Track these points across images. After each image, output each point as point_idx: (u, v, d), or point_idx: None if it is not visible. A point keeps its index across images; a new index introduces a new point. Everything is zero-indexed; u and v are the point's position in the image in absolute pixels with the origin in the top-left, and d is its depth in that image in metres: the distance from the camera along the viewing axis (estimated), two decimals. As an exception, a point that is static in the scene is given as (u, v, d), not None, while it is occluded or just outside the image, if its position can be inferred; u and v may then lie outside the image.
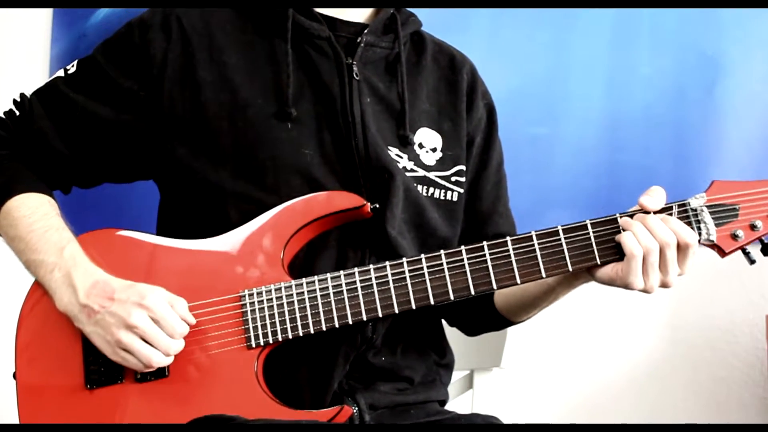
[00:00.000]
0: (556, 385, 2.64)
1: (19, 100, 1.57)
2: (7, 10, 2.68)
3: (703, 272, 2.57)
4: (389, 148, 1.52)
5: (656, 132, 2.62)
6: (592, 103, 2.64)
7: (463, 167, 1.60)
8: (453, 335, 1.70)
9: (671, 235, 1.34)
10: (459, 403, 1.90)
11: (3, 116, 1.58)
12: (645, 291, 1.37)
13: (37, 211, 1.48)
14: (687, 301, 2.62)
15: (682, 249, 1.35)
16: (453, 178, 1.58)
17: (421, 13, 1.68)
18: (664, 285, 1.37)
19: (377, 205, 1.47)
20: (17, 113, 1.56)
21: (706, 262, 2.53)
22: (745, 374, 2.59)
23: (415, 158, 1.54)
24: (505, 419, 1.52)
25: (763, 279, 2.59)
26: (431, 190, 1.55)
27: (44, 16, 2.70)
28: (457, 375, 1.92)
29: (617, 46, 2.64)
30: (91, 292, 1.39)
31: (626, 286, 1.37)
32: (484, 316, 1.62)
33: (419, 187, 1.53)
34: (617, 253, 1.37)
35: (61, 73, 1.57)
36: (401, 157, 1.53)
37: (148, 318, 1.36)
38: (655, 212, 1.37)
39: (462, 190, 1.59)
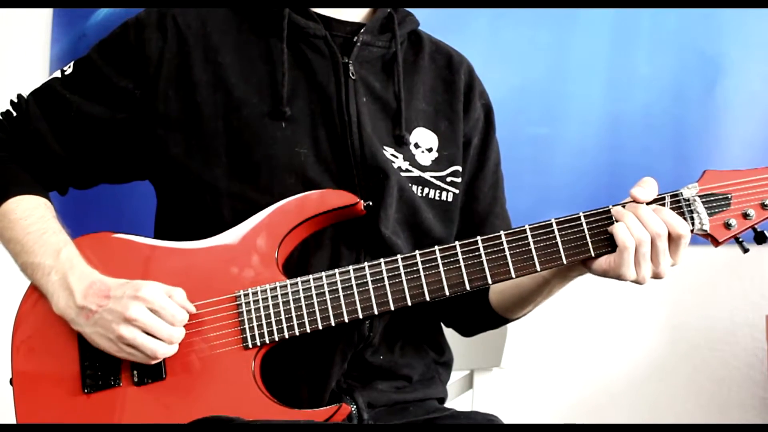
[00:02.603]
0: (556, 385, 2.64)
1: (16, 101, 1.57)
2: (7, 10, 2.68)
3: (703, 272, 2.59)
4: (385, 147, 1.52)
5: (656, 132, 2.61)
6: (592, 103, 2.63)
7: (458, 168, 1.59)
8: (453, 335, 1.70)
9: (662, 226, 1.33)
10: (459, 402, 1.90)
11: (0, 117, 1.58)
12: (637, 282, 1.37)
13: (33, 213, 1.49)
14: (687, 301, 2.62)
15: (673, 239, 1.35)
16: (448, 179, 1.58)
17: (421, 13, 1.68)
18: (656, 276, 1.37)
19: (370, 203, 1.47)
20: (14, 114, 1.56)
21: (705, 263, 2.56)
22: (745, 374, 2.59)
23: (410, 158, 1.54)
24: (505, 419, 1.52)
25: (763, 279, 2.59)
26: (426, 190, 1.55)
27: (44, 16, 2.70)
28: (457, 375, 1.92)
29: (617, 46, 2.64)
30: (88, 293, 1.39)
31: (619, 277, 1.36)
32: (480, 315, 1.62)
33: (414, 188, 1.53)
34: (611, 245, 1.36)
35: (57, 74, 1.57)
36: (396, 157, 1.53)
37: (146, 309, 1.36)
38: (647, 203, 1.37)
39: (457, 191, 1.59)
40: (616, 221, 1.36)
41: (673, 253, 1.36)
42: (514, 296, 1.55)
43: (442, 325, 1.68)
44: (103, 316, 1.38)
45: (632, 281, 1.37)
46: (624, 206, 1.37)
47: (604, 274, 1.38)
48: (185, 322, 1.39)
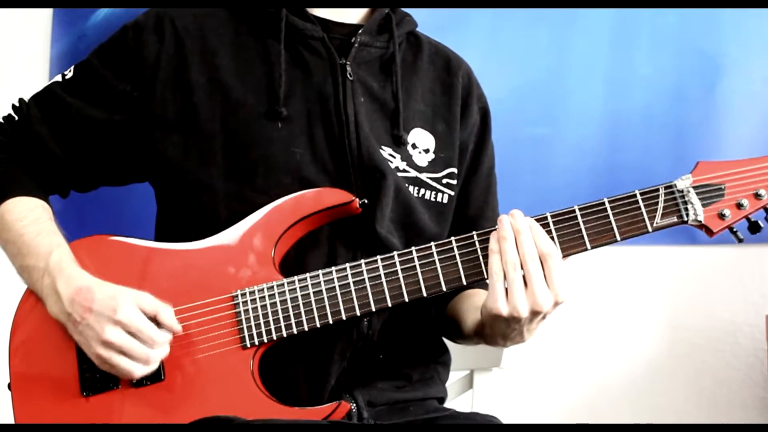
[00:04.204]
0: (556, 385, 2.64)
1: (17, 105, 1.59)
2: (7, 10, 2.68)
3: (703, 272, 2.59)
4: (382, 147, 1.52)
5: (656, 132, 2.61)
6: (592, 103, 2.63)
7: (454, 170, 1.60)
8: (453, 335, 1.70)
9: (533, 251, 1.33)
10: (459, 402, 1.90)
11: (2, 121, 1.59)
12: (512, 317, 1.33)
13: (29, 214, 1.49)
14: (687, 301, 2.61)
15: (544, 260, 1.33)
16: (444, 180, 1.58)
17: (421, 13, 1.68)
18: (534, 309, 1.33)
19: (366, 201, 1.47)
20: (15, 118, 1.58)
21: (706, 263, 2.56)
22: (746, 374, 2.59)
23: (407, 158, 1.55)
24: (505, 419, 1.52)
25: (763, 279, 2.59)
26: (422, 191, 1.55)
27: (44, 16, 2.70)
28: (457, 375, 1.92)
29: (617, 46, 2.64)
30: (74, 300, 1.39)
31: (490, 311, 1.34)
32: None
33: (410, 188, 1.54)
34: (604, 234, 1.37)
35: (58, 78, 1.58)
36: (394, 157, 1.53)
37: (122, 333, 1.36)
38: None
39: (453, 193, 1.59)
40: (491, 244, 1.35)
41: (549, 282, 1.33)
42: (452, 328, 1.60)
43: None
44: (85, 330, 1.38)
45: (507, 316, 1.33)
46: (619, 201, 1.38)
47: (486, 311, 1.36)
48: (166, 343, 1.38)
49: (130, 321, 1.36)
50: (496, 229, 1.37)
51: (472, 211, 1.65)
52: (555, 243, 1.37)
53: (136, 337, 1.36)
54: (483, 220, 1.66)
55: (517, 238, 1.33)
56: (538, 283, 1.32)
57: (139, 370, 1.37)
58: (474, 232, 1.40)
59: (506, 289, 1.33)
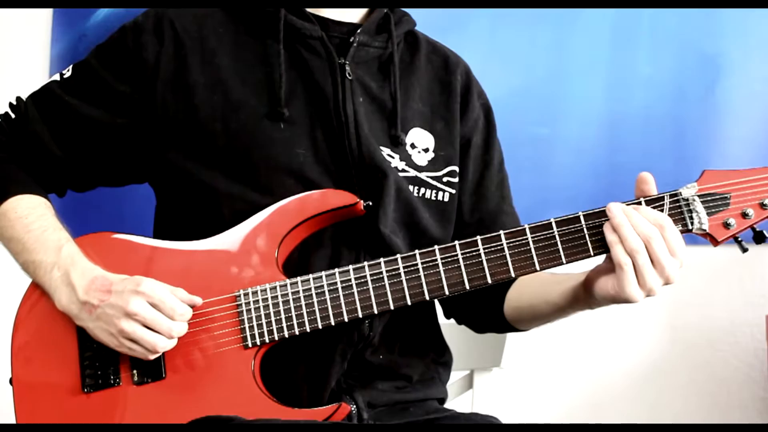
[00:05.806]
0: (556, 385, 2.64)
1: (15, 103, 1.58)
2: (7, 10, 2.68)
3: (703, 272, 2.59)
4: (381, 148, 1.52)
5: (656, 132, 2.62)
6: (592, 103, 2.63)
7: (455, 168, 1.60)
8: (453, 335, 1.70)
9: (651, 227, 1.30)
10: (459, 403, 1.90)
11: (-1, 120, 1.59)
12: (648, 296, 1.33)
13: (33, 212, 1.49)
14: (687, 301, 2.62)
15: (665, 236, 1.31)
16: (445, 179, 1.58)
17: (421, 13, 1.68)
18: (666, 283, 1.32)
19: (370, 203, 1.47)
20: (12, 116, 1.57)
21: (705, 263, 2.56)
22: (746, 374, 2.59)
23: (406, 158, 1.55)
24: (505, 419, 1.52)
25: (763, 279, 2.59)
26: (422, 190, 1.55)
27: (44, 16, 2.69)
28: (457, 375, 1.92)
29: (617, 46, 2.64)
30: (90, 288, 1.40)
31: (628, 300, 1.31)
32: (492, 320, 1.62)
33: (411, 188, 1.53)
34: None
35: (57, 77, 1.58)
36: (393, 157, 1.53)
37: (146, 303, 1.37)
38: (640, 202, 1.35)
39: (454, 191, 1.59)
40: (608, 236, 1.33)
41: (672, 250, 1.31)
42: (529, 315, 1.55)
43: (444, 324, 1.68)
44: (105, 311, 1.38)
45: (645, 297, 1.32)
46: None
47: (613, 300, 1.34)
48: (186, 317, 1.39)
49: (153, 291, 1.37)
50: (496, 236, 1.38)
51: (492, 206, 1.65)
52: (559, 249, 1.36)
53: (158, 308, 1.37)
54: (503, 215, 1.65)
55: (631, 221, 1.31)
56: (665, 258, 1.30)
57: (162, 342, 1.37)
58: (478, 237, 1.39)
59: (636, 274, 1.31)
